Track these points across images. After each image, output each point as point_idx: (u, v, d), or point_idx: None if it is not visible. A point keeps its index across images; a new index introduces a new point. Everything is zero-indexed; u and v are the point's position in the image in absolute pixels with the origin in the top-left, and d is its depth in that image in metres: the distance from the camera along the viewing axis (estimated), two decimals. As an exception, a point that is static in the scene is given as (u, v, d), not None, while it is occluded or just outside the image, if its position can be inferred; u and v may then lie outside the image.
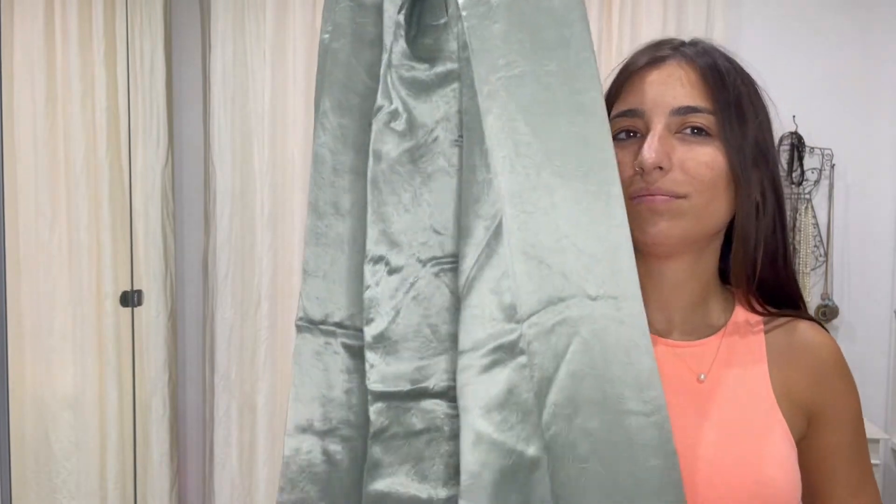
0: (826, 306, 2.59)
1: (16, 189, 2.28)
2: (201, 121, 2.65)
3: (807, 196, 2.58)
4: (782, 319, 0.83)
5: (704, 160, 0.74)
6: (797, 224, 2.58)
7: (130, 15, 2.43)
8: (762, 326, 0.82)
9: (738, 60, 0.80)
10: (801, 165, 2.57)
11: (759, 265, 0.79)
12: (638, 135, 0.76)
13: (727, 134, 0.74)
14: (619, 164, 0.71)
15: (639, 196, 0.74)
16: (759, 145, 0.78)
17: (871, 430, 2.39)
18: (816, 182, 2.59)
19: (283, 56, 2.56)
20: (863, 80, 2.58)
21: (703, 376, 0.79)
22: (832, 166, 2.57)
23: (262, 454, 2.61)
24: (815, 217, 2.58)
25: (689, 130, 0.75)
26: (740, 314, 0.83)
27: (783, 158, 2.58)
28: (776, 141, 2.65)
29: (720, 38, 2.48)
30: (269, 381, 2.60)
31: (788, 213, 2.57)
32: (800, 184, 2.57)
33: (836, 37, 2.58)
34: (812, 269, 2.58)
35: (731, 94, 0.76)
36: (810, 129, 2.56)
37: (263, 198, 2.56)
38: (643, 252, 0.77)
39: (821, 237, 2.58)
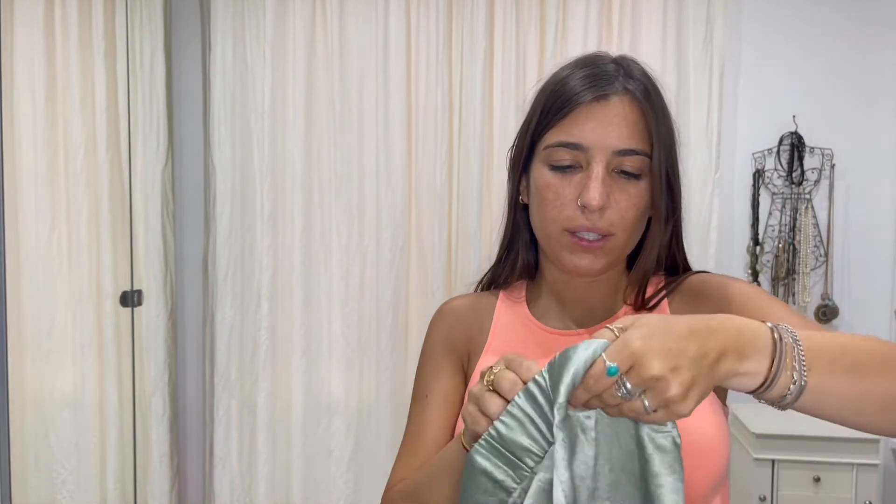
0: (826, 306, 2.59)
1: (16, 189, 2.28)
2: (201, 121, 2.65)
3: (807, 196, 2.58)
4: (679, 282, 0.91)
5: (634, 201, 0.82)
6: (797, 224, 2.58)
7: (130, 15, 2.43)
8: (665, 293, 0.90)
9: (657, 80, 0.87)
10: (801, 165, 2.57)
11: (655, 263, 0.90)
12: (578, 167, 0.82)
13: (654, 172, 0.82)
14: (560, 195, 0.82)
15: (575, 232, 0.82)
16: (669, 171, 0.85)
17: (871, 430, 2.38)
18: (816, 182, 2.59)
19: (283, 56, 2.56)
20: (863, 80, 2.58)
21: None
22: (832, 166, 2.57)
23: (262, 454, 2.61)
24: (815, 217, 2.58)
25: (623, 171, 0.82)
26: (647, 290, 0.91)
27: (783, 158, 2.58)
28: (776, 141, 2.64)
29: (720, 38, 2.48)
30: (269, 381, 2.60)
31: (788, 211, 2.58)
32: (800, 184, 2.57)
33: (837, 37, 2.57)
34: (812, 269, 2.58)
35: (662, 130, 0.83)
36: (810, 129, 2.56)
37: (263, 198, 2.56)
38: (563, 271, 0.88)
39: (821, 237, 2.58)
